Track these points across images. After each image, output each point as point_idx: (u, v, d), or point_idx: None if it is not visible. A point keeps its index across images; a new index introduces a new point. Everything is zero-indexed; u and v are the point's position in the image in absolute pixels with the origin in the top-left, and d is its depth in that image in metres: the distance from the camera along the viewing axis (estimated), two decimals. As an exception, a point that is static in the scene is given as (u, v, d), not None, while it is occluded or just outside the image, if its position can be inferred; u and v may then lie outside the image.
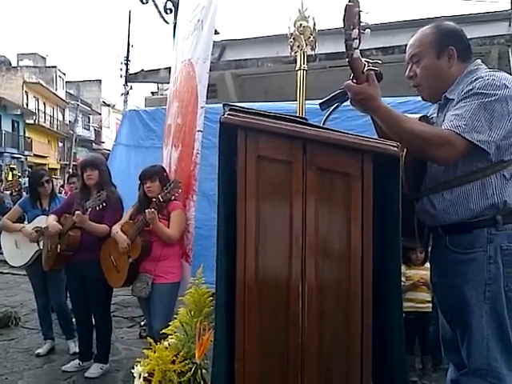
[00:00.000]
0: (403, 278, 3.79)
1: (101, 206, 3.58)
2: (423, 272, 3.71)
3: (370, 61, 1.77)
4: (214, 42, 7.86)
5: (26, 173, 25.60)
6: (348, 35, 1.65)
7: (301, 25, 3.63)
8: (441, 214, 1.91)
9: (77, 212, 3.61)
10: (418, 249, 3.69)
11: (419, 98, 2.17)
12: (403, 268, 3.81)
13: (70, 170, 29.28)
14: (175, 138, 4.19)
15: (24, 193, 7.12)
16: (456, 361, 2.01)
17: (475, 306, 1.82)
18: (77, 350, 4.18)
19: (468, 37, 2.03)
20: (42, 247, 4.14)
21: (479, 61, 2.00)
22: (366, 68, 1.73)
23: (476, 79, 1.85)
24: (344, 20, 1.64)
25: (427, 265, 3.58)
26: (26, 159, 31.96)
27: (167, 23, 9.93)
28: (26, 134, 32.68)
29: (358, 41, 1.65)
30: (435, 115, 2.06)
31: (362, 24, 1.64)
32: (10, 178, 21.55)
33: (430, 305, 3.67)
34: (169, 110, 4.60)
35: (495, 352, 1.80)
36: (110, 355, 4.00)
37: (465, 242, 1.87)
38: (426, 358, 3.87)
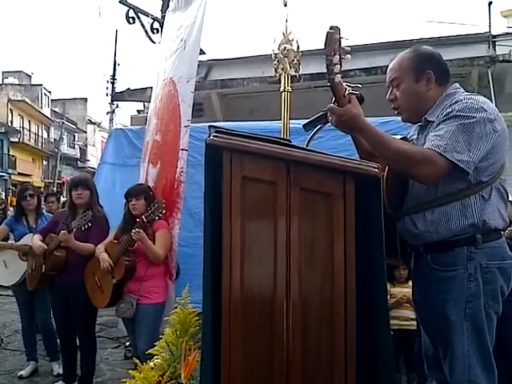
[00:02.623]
0: (387, 296, 3.81)
1: (86, 226, 3.56)
2: (406, 290, 3.74)
3: (351, 84, 1.82)
4: (201, 61, 7.97)
5: (10, 191, 25.31)
6: (329, 60, 1.71)
7: (285, 48, 3.71)
8: (422, 233, 1.95)
9: (62, 231, 3.59)
10: (401, 266, 3.73)
11: (401, 118, 2.23)
12: (387, 286, 3.84)
13: (54, 189, 29.00)
14: (152, 154, 4.20)
15: (9, 212, 7.04)
16: (439, 378, 2.04)
17: (456, 322, 1.86)
18: (61, 371, 4.13)
19: (448, 58, 2.11)
20: None
21: (457, 84, 2.06)
22: (347, 92, 1.79)
23: (455, 102, 1.91)
24: (325, 46, 1.70)
25: (411, 282, 3.62)
26: (10, 177, 31.63)
27: (154, 43, 10.01)
28: (10, 152, 32.39)
29: (339, 66, 1.71)
30: (415, 137, 2.12)
31: (342, 49, 1.70)
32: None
33: (415, 322, 3.70)
34: (148, 128, 4.62)
35: (476, 368, 1.83)
36: (94, 376, 3.94)
37: (446, 260, 1.91)
38: (411, 376, 3.88)
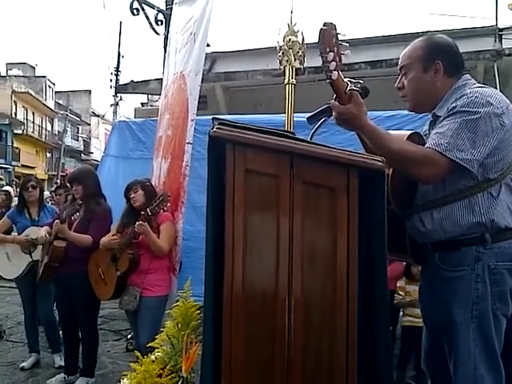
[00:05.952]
0: (402, 293, 3.79)
1: (76, 215, 3.58)
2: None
3: (353, 80, 1.78)
4: (205, 53, 7.94)
5: (14, 183, 25.31)
6: (324, 58, 1.67)
7: (290, 39, 3.68)
8: (430, 231, 1.91)
9: (56, 221, 3.60)
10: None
11: (406, 112, 2.19)
12: (403, 283, 3.81)
13: (58, 181, 29.03)
14: (165, 149, 4.20)
15: (12, 204, 7.05)
16: (428, 368, 2.06)
17: (462, 323, 1.82)
18: (62, 363, 4.14)
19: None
20: (33, 259, 4.14)
21: (468, 76, 1.99)
22: (348, 88, 1.75)
23: (461, 96, 1.85)
24: (319, 44, 1.66)
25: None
26: (14, 169, 31.69)
27: (158, 34, 9.99)
28: (14, 144, 32.45)
29: (335, 63, 1.67)
30: (427, 132, 2.05)
31: (340, 45, 1.67)
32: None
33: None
34: (160, 122, 4.62)
35: (482, 370, 1.78)
36: (96, 369, 3.95)
37: (453, 259, 1.86)
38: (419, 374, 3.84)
